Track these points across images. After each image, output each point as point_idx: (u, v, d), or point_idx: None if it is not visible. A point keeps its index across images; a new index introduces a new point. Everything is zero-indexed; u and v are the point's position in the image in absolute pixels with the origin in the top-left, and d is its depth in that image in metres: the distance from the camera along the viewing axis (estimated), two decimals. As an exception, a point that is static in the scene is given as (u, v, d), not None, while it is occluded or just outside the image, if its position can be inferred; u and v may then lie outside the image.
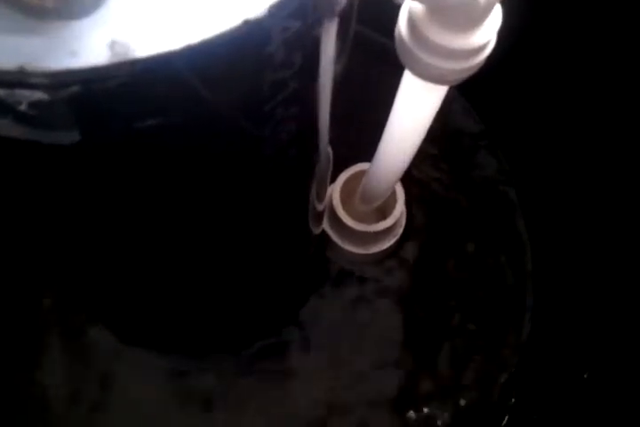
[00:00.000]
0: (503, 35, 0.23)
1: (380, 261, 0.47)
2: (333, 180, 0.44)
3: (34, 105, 0.15)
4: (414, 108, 0.27)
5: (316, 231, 0.41)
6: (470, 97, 0.50)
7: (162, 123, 0.17)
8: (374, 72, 0.45)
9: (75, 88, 0.15)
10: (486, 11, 0.21)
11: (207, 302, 0.35)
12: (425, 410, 0.44)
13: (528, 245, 0.48)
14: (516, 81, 0.47)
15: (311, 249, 0.43)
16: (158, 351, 0.43)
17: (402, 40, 0.22)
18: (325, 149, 0.30)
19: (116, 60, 0.14)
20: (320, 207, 0.40)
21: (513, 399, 0.44)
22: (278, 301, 0.43)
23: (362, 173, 0.42)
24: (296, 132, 0.23)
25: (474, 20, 0.21)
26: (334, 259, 0.47)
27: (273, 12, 0.15)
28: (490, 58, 0.23)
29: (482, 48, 0.22)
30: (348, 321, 0.46)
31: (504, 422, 0.44)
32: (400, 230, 0.45)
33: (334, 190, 0.44)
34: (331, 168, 0.37)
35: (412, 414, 0.44)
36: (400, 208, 0.43)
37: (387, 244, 0.45)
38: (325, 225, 0.45)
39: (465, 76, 0.23)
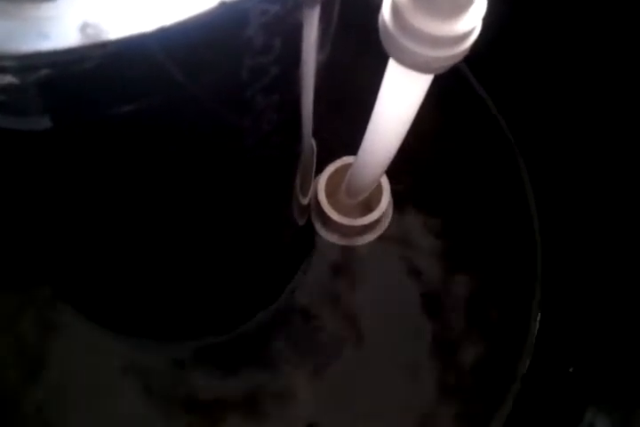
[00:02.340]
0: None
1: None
2: (319, 173, 0.44)
3: (3, 89, 0.15)
4: (399, 98, 0.27)
5: (301, 223, 0.41)
6: (475, 68, 0.50)
7: (136, 109, 0.16)
8: (363, 64, 0.44)
9: (45, 71, 0.14)
10: (471, -3, 0.21)
11: (186, 287, 0.35)
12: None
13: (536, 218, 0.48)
14: (522, 52, 0.46)
15: (296, 238, 0.42)
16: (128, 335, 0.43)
17: (385, 27, 0.22)
18: (309, 140, 0.30)
19: (87, 42, 0.14)
20: (304, 201, 0.39)
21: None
22: (260, 286, 0.42)
23: (347, 167, 0.42)
24: (278, 122, 0.22)
25: (459, 6, 0.21)
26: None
27: (251, -7, 0.15)
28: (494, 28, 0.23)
29: (467, 35, 0.22)
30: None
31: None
32: (387, 223, 0.45)
33: (319, 184, 0.44)
34: (314, 161, 0.37)
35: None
36: (386, 201, 0.43)
37: (373, 236, 0.45)
38: (312, 218, 0.45)
39: (450, 63, 0.23)
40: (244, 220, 0.30)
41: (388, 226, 0.45)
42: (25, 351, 0.43)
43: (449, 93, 0.49)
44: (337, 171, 0.44)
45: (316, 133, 0.32)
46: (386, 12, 0.22)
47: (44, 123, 0.16)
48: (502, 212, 0.48)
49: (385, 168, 0.37)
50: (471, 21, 0.21)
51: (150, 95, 0.16)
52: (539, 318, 0.45)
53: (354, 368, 0.44)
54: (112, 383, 0.42)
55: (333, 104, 0.48)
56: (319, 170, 0.44)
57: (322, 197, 0.44)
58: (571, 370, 0.39)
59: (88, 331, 0.42)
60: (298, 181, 0.33)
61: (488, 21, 0.23)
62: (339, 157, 0.45)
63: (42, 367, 0.42)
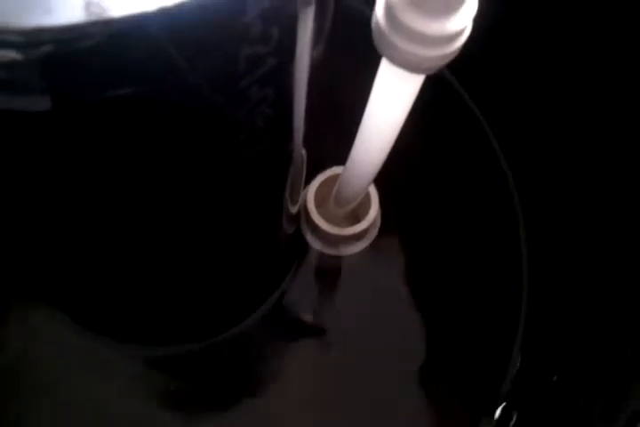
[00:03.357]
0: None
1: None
2: (308, 183, 0.44)
3: (6, 66, 0.15)
4: (390, 99, 0.27)
5: (290, 231, 0.41)
6: (462, 77, 0.51)
7: (134, 92, 0.17)
8: (358, 78, 0.45)
9: (47, 47, 0.14)
10: (462, -3, 0.21)
11: (171, 291, 0.35)
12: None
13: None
14: (509, 58, 0.47)
15: (284, 246, 0.43)
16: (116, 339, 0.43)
17: (378, 26, 0.23)
18: (300, 145, 0.30)
19: (90, 19, 0.14)
20: (294, 209, 0.40)
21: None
22: (246, 292, 0.42)
23: (337, 177, 0.42)
24: (271, 119, 0.23)
25: (450, 5, 0.21)
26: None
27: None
28: (479, 37, 0.23)
29: (457, 35, 0.22)
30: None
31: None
32: (375, 232, 0.45)
33: (309, 193, 0.44)
34: (304, 170, 0.37)
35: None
36: (374, 211, 0.43)
37: (361, 246, 0.45)
38: (301, 227, 0.45)
39: (441, 63, 0.23)
40: (232, 223, 0.31)
41: (376, 236, 0.46)
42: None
43: (435, 104, 0.49)
44: (326, 181, 0.44)
45: (306, 144, 0.32)
46: (379, 11, 0.22)
47: (44, 103, 0.16)
48: (489, 217, 0.49)
49: (373, 176, 0.37)
50: (462, 21, 0.22)
51: (149, 78, 0.17)
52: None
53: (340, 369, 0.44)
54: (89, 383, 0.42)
55: (325, 116, 0.49)
56: (309, 180, 0.44)
57: (311, 207, 0.44)
58: (555, 379, 0.39)
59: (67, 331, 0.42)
60: (288, 188, 0.33)
61: (477, 25, 0.23)
62: (329, 168, 0.45)
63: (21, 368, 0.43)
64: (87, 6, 0.14)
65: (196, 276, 0.35)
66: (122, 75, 0.16)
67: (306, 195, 0.44)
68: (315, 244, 0.46)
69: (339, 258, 0.46)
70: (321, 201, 0.45)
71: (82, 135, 0.18)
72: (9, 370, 0.43)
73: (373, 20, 0.23)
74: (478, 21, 0.23)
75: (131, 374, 0.42)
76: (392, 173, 0.38)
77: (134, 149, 0.20)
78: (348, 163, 0.37)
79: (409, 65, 0.24)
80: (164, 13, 0.15)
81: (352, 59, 0.45)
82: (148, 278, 0.34)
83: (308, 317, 0.45)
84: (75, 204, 0.22)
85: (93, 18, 0.14)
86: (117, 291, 0.35)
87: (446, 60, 0.23)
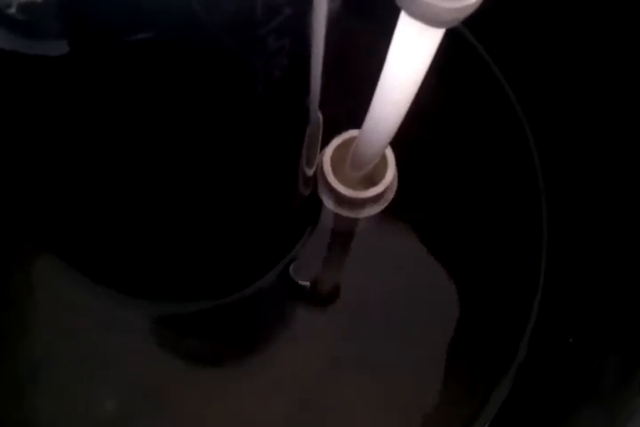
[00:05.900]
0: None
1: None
2: (325, 146, 0.44)
3: (24, 8, 0.15)
4: (408, 57, 0.27)
5: (306, 193, 0.41)
6: (478, 32, 0.50)
7: (152, 38, 0.17)
8: (374, 40, 0.44)
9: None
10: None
11: (184, 247, 0.35)
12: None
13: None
14: (526, 14, 0.46)
15: (300, 208, 0.43)
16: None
17: (397, -23, 0.22)
18: (316, 100, 0.30)
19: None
20: (310, 172, 0.40)
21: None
22: (260, 251, 0.42)
23: (354, 140, 0.42)
24: (288, 69, 0.23)
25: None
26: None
27: None
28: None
29: (477, -13, 0.22)
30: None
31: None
32: (391, 195, 0.45)
33: (325, 155, 0.44)
34: (321, 133, 0.37)
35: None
36: (391, 174, 0.43)
37: (377, 209, 0.45)
38: (318, 190, 0.45)
39: (460, 17, 0.23)
40: (248, 180, 0.31)
41: (393, 198, 0.46)
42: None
43: (452, 63, 0.49)
44: (343, 143, 0.44)
45: (324, 107, 0.32)
46: (398, -38, 0.22)
47: (61, 48, 0.16)
48: (507, 175, 0.48)
49: (390, 138, 0.37)
50: (482, -28, 0.22)
51: (166, 24, 0.16)
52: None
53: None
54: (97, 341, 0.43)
55: (342, 80, 0.48)
56: (326, 144, 0.44)
57: (327, 169, 0.44)
58: (571, 340, 0.39)
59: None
60: (304, 148, 0.33)
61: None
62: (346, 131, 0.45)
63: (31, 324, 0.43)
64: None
65: (210, 233, 0.35)
66: (140, 20, 0.16)
67: (322, 157, 0.44)
68: (331, 206, 0.46)
69: (355, 220, 0.46)
70: (337, 164, 0.44)
71: (99, 82, 0.18)
72: (17, 329, 0.43)
73: (392, -29, 0.23)
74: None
75: (142, 332, 0.43)
76: (409, 137, 0.38)
77: (152, 98, 0.20)
78: (365, 124, 0.36)
79: (428, 17, 0.23)
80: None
81: (367, 20, 0.44)
82: (161, 233, 0.33)
83: (322, 278, 0.45)
84: (90, 151, 0.22)
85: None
86: (131, 243, 0.35)
87: (467, 13, 0.23)
